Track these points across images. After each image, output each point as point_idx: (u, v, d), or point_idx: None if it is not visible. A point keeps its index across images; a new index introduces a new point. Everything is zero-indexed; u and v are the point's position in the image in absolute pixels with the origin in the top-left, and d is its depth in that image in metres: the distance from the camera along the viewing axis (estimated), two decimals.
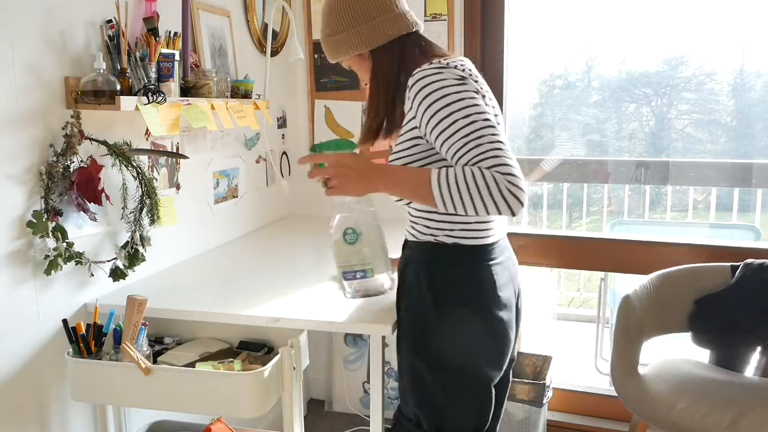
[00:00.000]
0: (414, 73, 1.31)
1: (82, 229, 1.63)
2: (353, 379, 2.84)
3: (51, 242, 1.50)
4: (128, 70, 1.62)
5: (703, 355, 2.21)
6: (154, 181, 1.77)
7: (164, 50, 1.70)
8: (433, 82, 1.27)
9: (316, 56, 2.79)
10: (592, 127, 3.94)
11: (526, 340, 2.84)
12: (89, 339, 1.49)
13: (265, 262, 2.12)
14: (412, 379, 1.44)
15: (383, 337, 1.53)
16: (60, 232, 1.51)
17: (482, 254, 1.40)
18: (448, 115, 1.23)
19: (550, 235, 2.69)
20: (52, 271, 1.50)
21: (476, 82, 1.34)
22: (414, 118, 1.32)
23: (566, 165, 3.73)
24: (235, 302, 1.65)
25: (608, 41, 3.74)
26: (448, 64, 1.31)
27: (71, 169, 1.55)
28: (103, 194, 1.61)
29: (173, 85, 1.73)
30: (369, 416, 1.61)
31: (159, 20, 1.77)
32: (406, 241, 1.52)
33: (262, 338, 1.68)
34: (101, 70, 1.53)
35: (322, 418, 2.83)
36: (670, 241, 2.47)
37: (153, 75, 1.67)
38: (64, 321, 1.50)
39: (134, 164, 1.68)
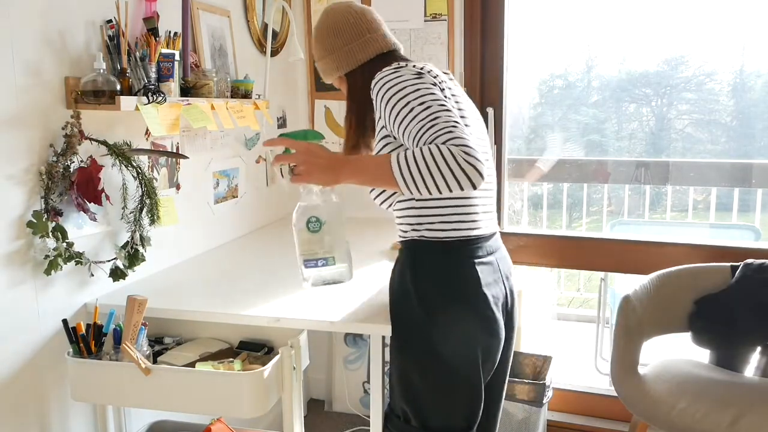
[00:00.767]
0: (375, 77, 1.37)
1: (82, 229, 1.63)
2: (353, 379, 2.84)
3: (51, 242, 1.50)
4: (128, 70, 1.62)
5: (703, 355, 2.21)
6: (154, 181, 1.77)
7: (164, 50, 1.70)
8: (391, 79, 1.33)
9: None
10: (592, 127, 3.94)
11: (526, 340, 2.84)
12: (89, 339, 1.49)
13: (266, 262, 2.12)
14: (399, 376, 1.45)
15: (383, 337, 1.54)
16: (60, 232, 1.51)
17: (466, 250, 1.40)
18: (405, 105, 1.28)
19: (550, 235, 2.69)
20: (52, 271, 1.50)
21: (435, 77, 1.37)
22: (380, 118, 1.37)
23: (566, 165, 3.74)
24: (235, 302, 1.65)
25: (608, 41, 3.74)
26: (406, 65, 1.37)
27: (71, 169, 1.55)
28: (103, 194, 1.61)
29: (173, 85, 1.73)
30: (369, 416, 1.61)
31: (159, 20, 1.77)
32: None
33: (262, 338, 1.68)
34: (101, 70, 1.53)
35: (322, 418, 2.83)
36: (670, 241, 2.47)
37: (153, 75, 1.67)
38: (64, 321, 1.50)
39: (134, 164, 1.68)
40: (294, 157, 1.32)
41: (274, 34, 2.60)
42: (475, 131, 1.42)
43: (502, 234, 1.70)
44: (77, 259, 1.56)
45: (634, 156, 3.87)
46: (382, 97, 1.33)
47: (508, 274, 1.52)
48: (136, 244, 1.72)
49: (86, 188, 1.56)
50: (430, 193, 1.21)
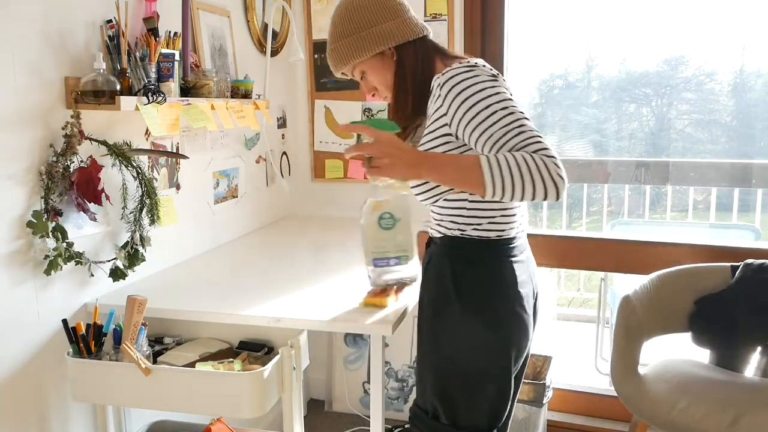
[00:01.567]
0: (444, 72, 1.32)
1: (82, 229, 1.63)
2: (353, 379, 2.84)
3: (51, 242, 1.50)
4: (128, 70, 1.62)
5: (703, 355, 2.21)
6: (154, 181, 1.77)
7: (164, 50, 1.70)
8: (467, 79, 1.29)
9: (316, 56, 2.79)
10: (592, 127, 3.94)
11: None
12: (89, 339, 1.49)
13: (265, 262, 2.12)
14: (432, 372, 1.44)
15: (383, 337, 1.53)
16: (60, 232, 1.51)
17: (504, 249, 1.40)
18: (486, 107, 1.25)
19: (550, 235, 2.69)
20: (52, 271, 1.49)
21: (504, 81, 1.37)
22: (444, 115, 1.32)
23: (566, 165, 3.73)
24: (235, 302, 1.65)
25: (608, 41, 3.74)
26: (476, 64, 1.35)
27: (71, 169, 1.55)
28: (103, 194, 1.60)
29: (173, 85, 1.73)
30: (369, 416, 1.61)
31: (159, 20, 1.77)
32: (429, 239, 1.52)
33: (262, 338, 1.68)
34: (101, 70, 1.53)
35: (322, 418, 2.83)
36: (670, 241, 2.47)
37: (153, 75, 1.67)
38: (64, 321, 1.50)
39: (134, 164, 1.68)
40: (376, 147, 1.21)
41: (274, 34, 2.60)
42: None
43: None
44: (77, 259, 1.56)
45: (634, 156, 3.88)
46: (456, 96, 1.28)
47: (534, 273, 1.51)
48: (136, 244, 1.72)
49: (86, 188, 1.56)
50: (513, 199, 1.21)
